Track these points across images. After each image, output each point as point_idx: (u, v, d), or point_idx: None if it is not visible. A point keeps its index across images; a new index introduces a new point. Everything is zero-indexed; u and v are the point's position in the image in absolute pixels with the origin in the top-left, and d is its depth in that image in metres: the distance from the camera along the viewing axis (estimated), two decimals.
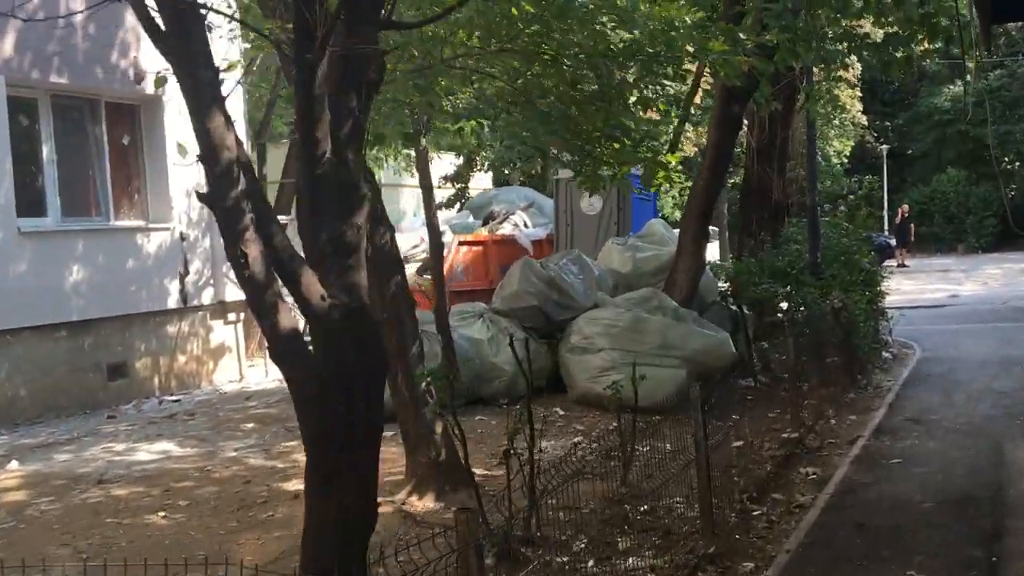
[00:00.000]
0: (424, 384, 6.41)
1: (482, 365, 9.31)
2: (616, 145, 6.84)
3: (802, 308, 10.22)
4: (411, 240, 14.58)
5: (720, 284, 11.14)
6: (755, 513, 6.09)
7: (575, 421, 8.77)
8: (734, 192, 19.60)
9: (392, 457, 6.70)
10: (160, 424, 9.39)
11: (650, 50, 6.52)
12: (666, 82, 8.16)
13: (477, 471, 6.04)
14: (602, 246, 11.88)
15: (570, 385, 9.31)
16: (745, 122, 12.83)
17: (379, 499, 3.77)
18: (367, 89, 3.65)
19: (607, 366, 8.94)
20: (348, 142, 3.51)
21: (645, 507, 5.87)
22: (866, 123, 33.74)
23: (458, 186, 23.34)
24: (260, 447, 8.19)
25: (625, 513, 5.62)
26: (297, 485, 6.24)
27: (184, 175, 10.94)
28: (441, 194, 23.24)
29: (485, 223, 15.17)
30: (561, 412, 9.00)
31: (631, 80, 7.52)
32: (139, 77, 10.57)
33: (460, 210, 17.63)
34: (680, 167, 8.60)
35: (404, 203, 24.95)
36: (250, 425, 9.08)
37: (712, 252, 29.03)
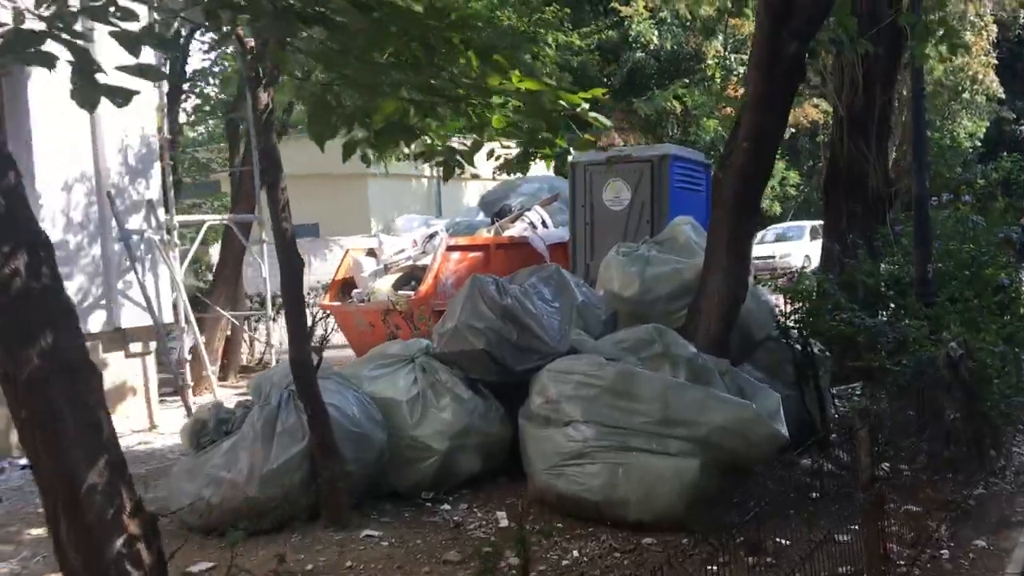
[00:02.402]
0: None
1: (398, 441, 6.21)
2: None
3: (897, 352, 6.73)
4: (398, 244, 11.57)
5: (780, 306, 7.68)
6: None
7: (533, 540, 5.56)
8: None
9: None
10: None
11: None
12: None
13: None
14: None
15: (528, 474, 6.10)
16: (827, 77, 9.32)
17: None
18: None
19: (577, 449, 5.71)
20: None
21: None
22: (1003, 97, 28.77)
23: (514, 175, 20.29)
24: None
25: None
26: None
27: (57, 167, 8.31)
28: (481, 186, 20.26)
29: (495, 221, 12.05)
30: (505, 522, 5.80)
31: None
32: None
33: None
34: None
35: (408, 198, 22.06)
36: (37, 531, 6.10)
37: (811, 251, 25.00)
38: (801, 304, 7.27)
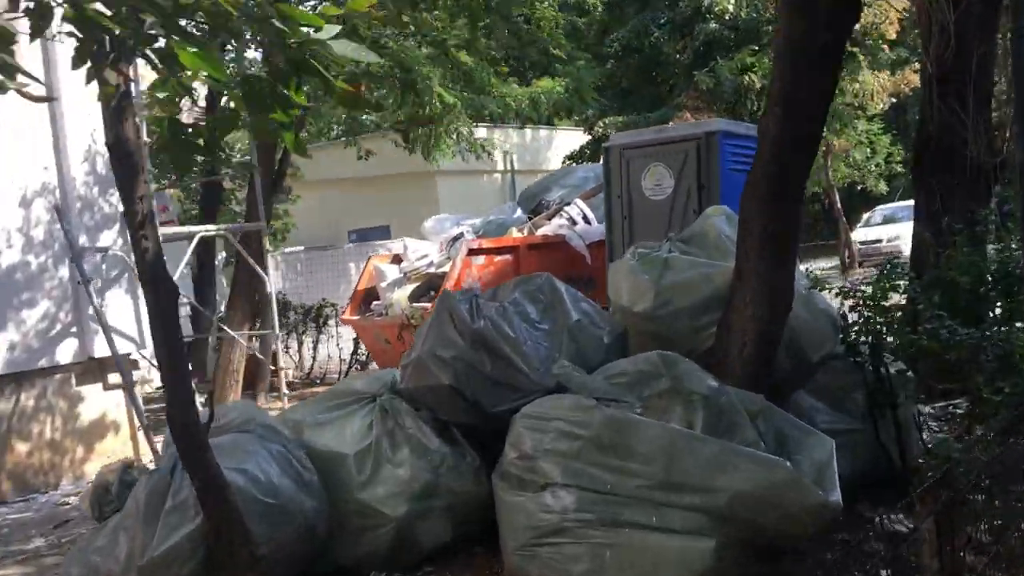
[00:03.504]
0: None
1: (342, 506, 4.95)
2: None
3: (1000, 373, 5.07)
4: (423, 248, 10.32)
5: (849, 314, 6.03)
6: None
7: None
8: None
9: None
10: None
11: None
12: None
13: None
14: None
15: (502, 547, 4.74)
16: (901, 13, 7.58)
17: None
18: None
19: (553, 523, 4.34)
20: None
21: None
22: None
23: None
24: None
25: None
26: None
27: (13, 178, 7.42)
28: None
29: (531, 217, 10.68)
30: None
31: None
32: None
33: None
34: None
35: (480, 193, 20.79)
36: None
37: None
38: (872, 312, 5.64)
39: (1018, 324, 5.80)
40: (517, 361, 5.01)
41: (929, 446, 5.73)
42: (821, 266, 26.38)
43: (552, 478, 4.44)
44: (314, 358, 14.56)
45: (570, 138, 24.39)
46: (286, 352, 14.97)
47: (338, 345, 13.86)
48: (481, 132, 22.59)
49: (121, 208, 8.24)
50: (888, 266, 8.39)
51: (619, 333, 5.47)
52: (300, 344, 14.73)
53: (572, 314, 5.31)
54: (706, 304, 5.43)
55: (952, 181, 7.86)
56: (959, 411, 7.24)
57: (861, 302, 5.62)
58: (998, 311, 5.86)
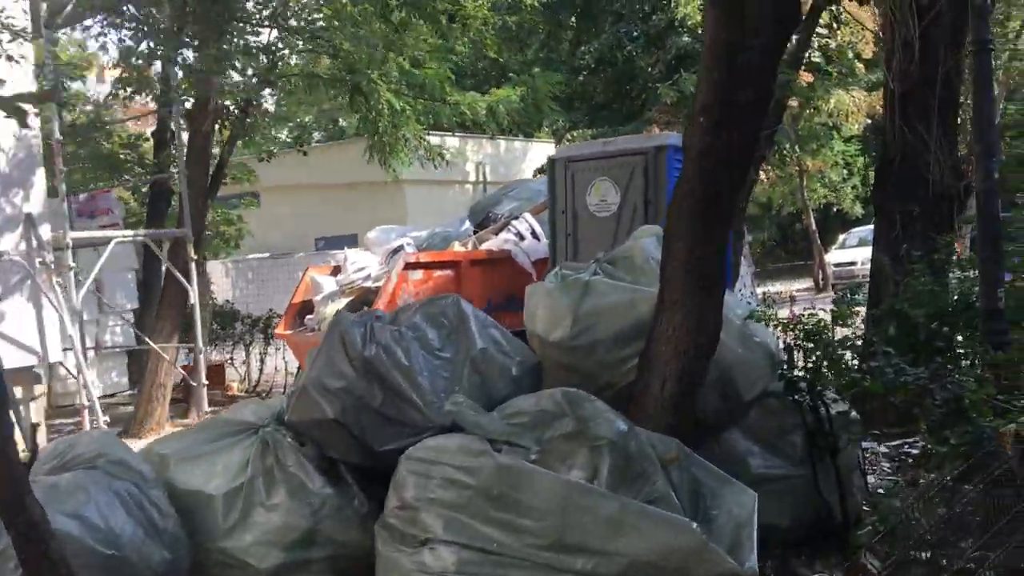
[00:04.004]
0: None
1: (205, 555, 4.38)
2: None
3: (951, 419, 4.57)
4: (362, 260, 9.76)
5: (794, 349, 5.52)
6: None
7: None
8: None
9: None
10: None
11: None
12: None
13: None
14: None
15: None
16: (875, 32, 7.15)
17: None
18: None
19: None
20: None
21: None
22: None
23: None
24: None
25: None
26: None
27: None
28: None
29: (478, 231, 10.16)
30: None
31: None
32: None
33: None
34: None
35: (449, 204, 20.30)
36: None
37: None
38: (813, 347, 5.13)
39: (973, 362, 5.32)
40: (409, 393, 4.46)
41: (875, 494, 5.23)
42: (796, 287, 26.00)
43: (434, 532, 3.89)
44: (261, 371, 13.97)
45: (545, 150, 23.95)
46: (231, 364, 14.37)
47: (284, 358, 13.28)
48: (436, 140, 22.19)
49: (26, 210, 7.70)
50: (848, 295, 7.93)
51: (532, 364, 4.93)
52: (247, 356, 14.15)
53: (478, 341, 4.76)
54: (629, 333, 4.90)
55: (913, 207, 7.39)
56: (914, 451, 6.76)
57: (800, 337, 5.10)
58: (949, 351, 5.35)
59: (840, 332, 8.31)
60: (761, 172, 23.40)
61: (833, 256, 25.66)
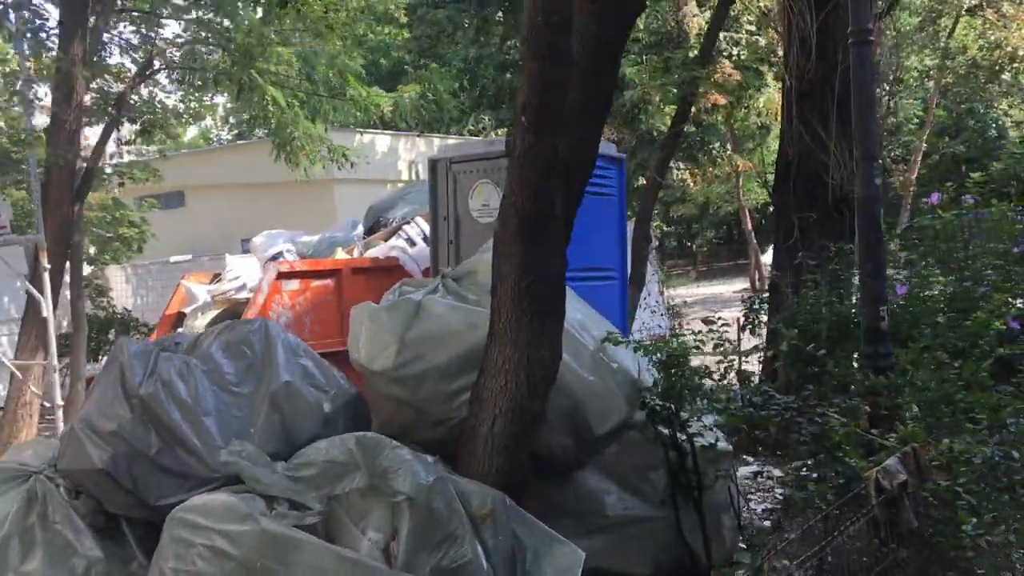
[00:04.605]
0: None
1: None
2: None
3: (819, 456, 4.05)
4: (241, 268, 9.06)
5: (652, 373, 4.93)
6: None
7: None
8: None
9: None
10: None
11: None
12: None
13: None
14: None
15: None
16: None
17: None
18: None
19: None
20: None
21: None
22: None
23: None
24: None
25: None
26: None
27: None
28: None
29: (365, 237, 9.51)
30: None
31: None
32: None
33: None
34: None
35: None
36: None
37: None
38: (674, 372, 4.56)
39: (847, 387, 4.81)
40: (190, 438, 3.82)
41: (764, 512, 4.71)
42: (733, 288, 25.69)
43: None
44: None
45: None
46: None
47: None
48: (367, 138, 21.41)
49: None
50: (753, 307, 7.38)
51: (348, 399, 4.30)
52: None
53: (281, 374, 4.12)
54: (465, 362, 4.29)
55: (811, 213, 6.90)
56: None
57: (662, 363, 4.54)
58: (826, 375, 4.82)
59: (749, 342, 7.81)
60: (690, 174, 23.10)
61: (769, 256, 25.41)
